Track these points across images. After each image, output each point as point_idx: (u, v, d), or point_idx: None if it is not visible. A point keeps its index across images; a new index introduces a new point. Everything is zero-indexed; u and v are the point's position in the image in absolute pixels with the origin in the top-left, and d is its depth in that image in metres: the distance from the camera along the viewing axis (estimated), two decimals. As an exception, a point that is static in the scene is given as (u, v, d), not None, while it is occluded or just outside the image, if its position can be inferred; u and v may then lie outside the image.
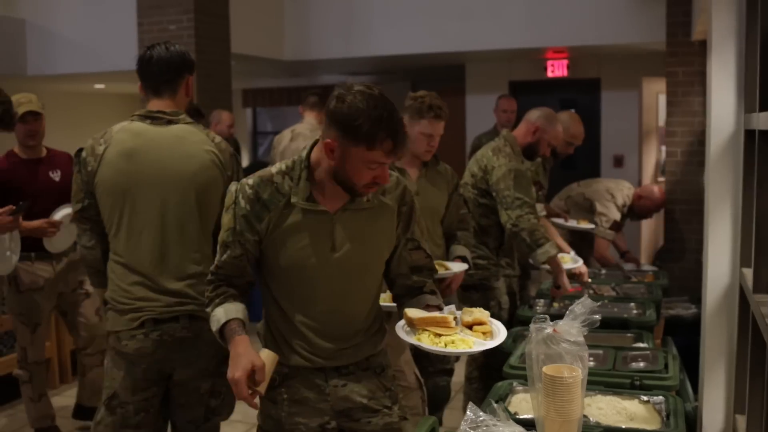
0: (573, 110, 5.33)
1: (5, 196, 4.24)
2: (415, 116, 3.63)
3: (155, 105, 3.06)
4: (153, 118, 3.02)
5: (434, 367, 3.90)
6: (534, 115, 4.39)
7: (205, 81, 7.40)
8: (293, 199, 2.27)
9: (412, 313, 2.29)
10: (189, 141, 3.01)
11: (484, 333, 2.17)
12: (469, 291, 4.22)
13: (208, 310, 2.34)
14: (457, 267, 3.59)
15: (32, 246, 4.38)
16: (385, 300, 2.86)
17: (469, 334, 2.19)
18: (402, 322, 2.31)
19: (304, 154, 2.31)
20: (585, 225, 5.36)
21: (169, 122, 3.02)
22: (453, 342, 2.12)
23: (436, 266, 3.32)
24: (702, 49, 5.93)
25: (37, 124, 4.42)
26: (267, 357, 2.22)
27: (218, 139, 3.17)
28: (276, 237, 2.29)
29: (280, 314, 2.38)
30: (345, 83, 2.20)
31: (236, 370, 2.12)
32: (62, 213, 4.38)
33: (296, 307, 2.35)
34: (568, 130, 4.92)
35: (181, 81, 3.09)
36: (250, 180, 2.29)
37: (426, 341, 2.16)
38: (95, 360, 4.75)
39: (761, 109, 2.71)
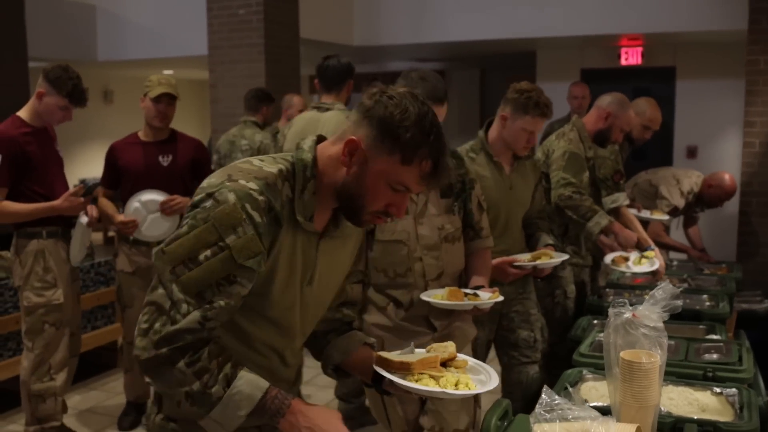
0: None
1: (112, 176, 4.48)
2: (519, 111, 3.44)
3: (324, 99, 4.35)
4: (319, 107, 4.32)
5: (526, 357, 3.73)
6: (605, 100, 4.33)
7: (274, 66, 7.46)
8: (298, 217, 1.73)
9: (401, 356, 1.87)
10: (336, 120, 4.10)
11: (456, 368, 1.86)
12: (535, 279, 4.20)
13: (209, 389, 1.62)
14: (558, 256, 3.51)
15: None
16: (442, 298, 2.83)
17: (453, 372, 1.86)
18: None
19: (308, 156, 1.76)
20: (659, 216, 5.24)
21: (328, 109, 4.26)
22: (458, 384, 1.79)
23: (542, 255, 3.33)
24: (785, 37, 5.77)
25: (171, 108, 4.47)
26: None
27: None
28: (271, 264, 1.72)
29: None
30: (381, 85, 1.79)
31: None
32: (144, 199, 4.43)
33: (263, 340, 1.82)
34: (645, 115, 4.84)
35: (345, 84, 4.41)
36: (251, 184, 1.65)
37: (443, 385, 1.78)
38: None
39: None
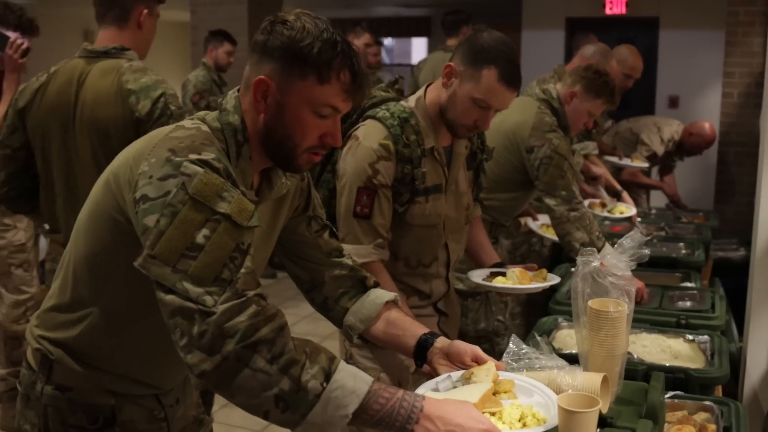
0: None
1: None
2: (590, 92, 3.35)
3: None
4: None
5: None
6: (589, 50, 4.30)
7: (257, 8, 7.36)
8: (240, 188, 1.50)
9: (449, 393, 1.63)
10: None
11: (505, 392, 1.67)
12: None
13: (305, 384, 1.37)
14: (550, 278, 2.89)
15: None
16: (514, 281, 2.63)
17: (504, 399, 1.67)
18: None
19: (236, 119, 1.58)
20: (638, 163, 5.27)
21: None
22: (522, 418, 1.59)
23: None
24: (765, -14, 5.75)
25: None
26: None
27: None
28: None
29: (144, 333, 1.62)
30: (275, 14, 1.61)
31: None
32: None
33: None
34: (627, 62, 4.81)
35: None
36: (204, 153, 1.45)
37: (509, 424, 1.57)
38: None
39: (824, 48, 2.64)
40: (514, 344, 1.78)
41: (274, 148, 1.58)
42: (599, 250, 3.20)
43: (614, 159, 5.18)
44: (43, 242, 4.48)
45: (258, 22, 5.90)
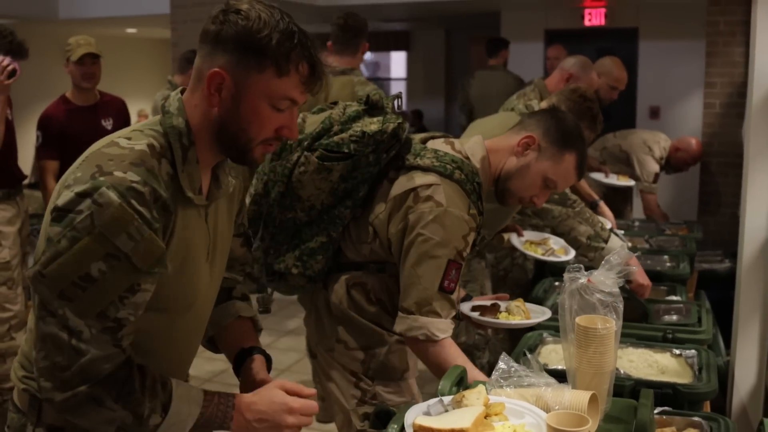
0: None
1: (63, 145, 4.33)
2: (573, 115, 3.35)
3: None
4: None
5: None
6: (569, 62, 4.31)
7: (233, 26, 7.34)
8: (188, 194, 1.49)
9: (441, 419, 1.58)
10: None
11: (495, 414, 1.63)
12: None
13: (147, 421, 1.44)
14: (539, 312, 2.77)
15: None
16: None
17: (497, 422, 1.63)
18: None
19: (180, 122, 1.51)
20: (625, 182, 5.28)
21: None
22: None
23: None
24: (745, -3, 5.78)
25: (96, 67, 4.46)
26: None
27: None
28: (168, 254, 1.49)
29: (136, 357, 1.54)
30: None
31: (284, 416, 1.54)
32: None
33: (159, 347, 1.59)
34: (612, 74, 4.81)
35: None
36: (130, 174, 1.38)
37: None
38: None
39: (808, 57, 2.63)
40: (503, 362, 1.75)
41: (227, 142, 1.52)
42: (606, 241, 3.19)
43: (600, 175, 5.17)
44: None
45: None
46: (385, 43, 13.78)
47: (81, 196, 1.36)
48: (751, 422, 3.22)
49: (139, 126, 1.53)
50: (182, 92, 1.56)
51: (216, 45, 1.47)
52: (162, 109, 1.54)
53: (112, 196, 1.35)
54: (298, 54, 1.47)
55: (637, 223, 5.22)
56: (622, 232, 4.56)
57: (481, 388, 1.66)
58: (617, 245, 3.22)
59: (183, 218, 1.50)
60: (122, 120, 4.67)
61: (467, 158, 2.29)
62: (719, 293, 4.16)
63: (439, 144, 2.34)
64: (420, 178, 2.22)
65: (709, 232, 5.52)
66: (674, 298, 3.41)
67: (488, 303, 2.61)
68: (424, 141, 2.38)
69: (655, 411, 2.34)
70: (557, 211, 3.22)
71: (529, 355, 1.74)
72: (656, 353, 2.72)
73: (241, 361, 1.79)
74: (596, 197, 4.53)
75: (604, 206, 4.47)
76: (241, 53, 1.45)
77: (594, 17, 9.70)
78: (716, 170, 6.10)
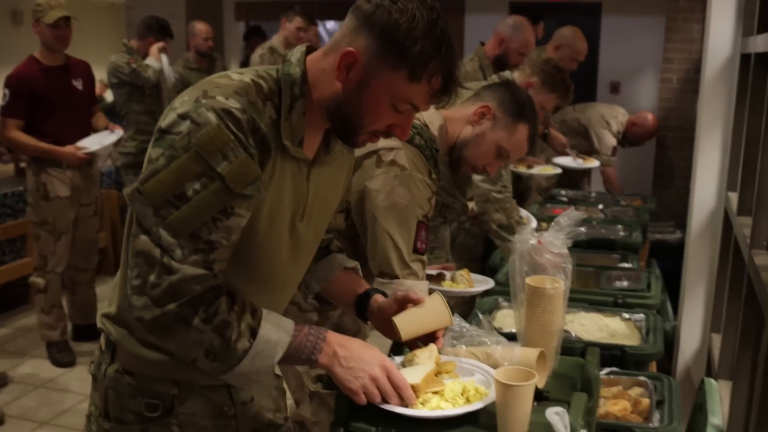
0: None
1: (34, 105, 4.33)
2: (547, 86, 3.42)
3: None
4: None
5: None
6: (500, 25, 4.26)
7: (194, -11, 7.26)
8: (285, 142, 1.48)
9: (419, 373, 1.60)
10: None
11: (447, 372, 1.68)
12: None
13: (234, 344, 1.42)
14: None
15: None
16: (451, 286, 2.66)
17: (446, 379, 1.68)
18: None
19: (297, 71, 1.50)
20: (591, 164, 5.36)
21: None
22: (464, 391, 1.62)
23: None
24: (704, -27, 5.86)
25: (69, 29, 4.44)
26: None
27: None
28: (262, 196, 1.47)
29: None
30: None
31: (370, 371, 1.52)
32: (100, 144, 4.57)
33: (238, 289, 1.54)
34: (573, 46, 4.81)
35: None
36: (231, 101, 1.39)
37: (452, 400, 1.58)
38: (86, 277, 4.85)
39: (759, 31, 2.70)
40: (456, 323, 1.80)
41: (338, 119, 1.50)
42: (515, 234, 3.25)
43: (567, 160, 5.21)
44: None
45: (195, 4, 5.79)
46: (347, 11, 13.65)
47: (182, 117, 1.38)
48: (693, 382, 3.34)
49: (257, 67, 1.53)
50: (309, 48, 1.55)
51: (362, 25, 1.45)
52: (283, 57, 1.53)
53: (210, 116, 1.36)
54: (436, 66, 1.44)
55: (593, 194, 5.31)
56: (580, 202, 4.66)
57: (432, 347, 1.71)
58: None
59: (281, 168, 1.49)
60: (91, 81, 4.68)
61: (425, 125, 2.33)
62: (670, 263, 4.27)
63: None
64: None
65: (663, 205, 5.63)
66: (626, 265, 3.50)
67: (434, 272, 2.67)
68: None
69: (604, 371, 2.43)
70: (482, 189, 3.27)
71: (480, 316, 1.80)
72: (606, 317, 2.81)
73: (363, 306, 1.84)
74: (564, 140, 4.62)
75: (554, 133, 4.58)
76: (382, 45, 1.43)
77: (558, -10, 9.72)
78: (671, 144, 6.21)
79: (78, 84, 4.54)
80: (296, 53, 1.52)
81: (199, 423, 1.60)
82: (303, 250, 1.66)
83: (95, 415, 1.62)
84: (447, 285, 2.61)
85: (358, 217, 2.25)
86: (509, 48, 4.18)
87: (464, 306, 3.86)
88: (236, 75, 1.47)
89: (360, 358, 1.51)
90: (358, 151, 2.24)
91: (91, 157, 4.57)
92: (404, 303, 1.75)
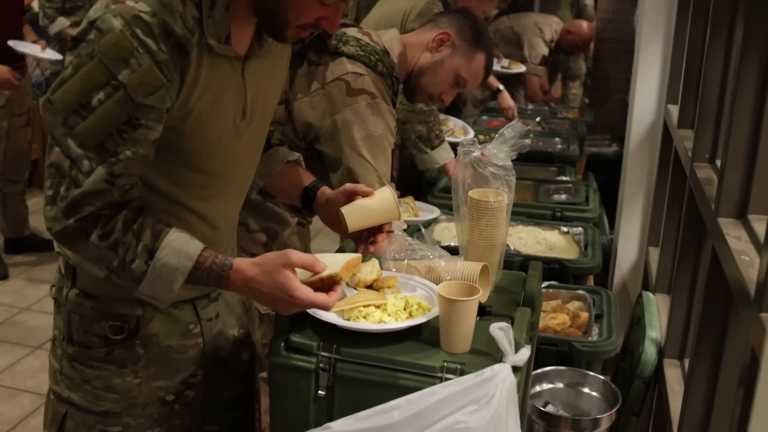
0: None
1: None
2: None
3: None
4: None
5: None
6: None
7: None
8: (210, 41, 1.39)
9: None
10: None
11: (389, 287, 1.65)
12: None
13: (129, 264, 1.37)
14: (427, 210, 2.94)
15: None
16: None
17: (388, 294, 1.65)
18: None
19: None
20: (516, 68, 5.32)
21: None
22: (407, 306, 1.60)
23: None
24: None
25: None
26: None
27: None
28: (184, 99, 1.40)
29: (165, 209, 1.50)
30: None
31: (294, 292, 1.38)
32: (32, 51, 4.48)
33: (185, 197, 1.52)
34: None
35: None
36: (140, 5, 1.31)
37: (395, 314, 1.57)
38: (17, 188, 4.75)
39: (702, -60, 2.65)
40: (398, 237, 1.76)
41: (264, 15, 1.44)
42: (432, 149, 3.22)
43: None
44: None
45: None
46: None
47: (90, 24, 1.32)
48: (630, 295, 3.38)
49: None
50: None
51: None
52: None
53: (115, 22, 1.30)
54: None
55: (530, 107, 5.29)
56: (518, 115, 4.62)
57: (374, 261, 1.67)
58: (442, 156, 3.25)
59: (210, 67, 1.41)
60: None
61: (386, 51, 2.25)
62: (606, 176, 4.30)
63: (355, 32, 2.27)
64: (348, 65, 2.17)
65: (599, 117, 5.64)
66: (564, 178, 3.50)
67: None
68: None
69: (543, 285, 2.43)
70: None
71: (423, 230, 1.76)
72: (545, 231, 2.81)
73: (309, 199, 1.80)
74: (498, 85, 4.55)
75: (505, 94, 4.50)
76: None
77: None
78: (608, 56, 6.19)
79: None
80: None
81: (163, 342, 1.57)
82: (250, 148, 1.61)
83: (59, 339, 1.59)
84: None
85: (331, 146, 2.17)
86: None
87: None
88: None
89: (268, 297, 1.40)
90: (325, 77, 2.17)
91: (21, 75, 4.43)
92: (353, 195, 1.70)
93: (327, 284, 1.42)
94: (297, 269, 1.40)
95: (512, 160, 1.73)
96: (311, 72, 2.18)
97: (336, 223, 1.73)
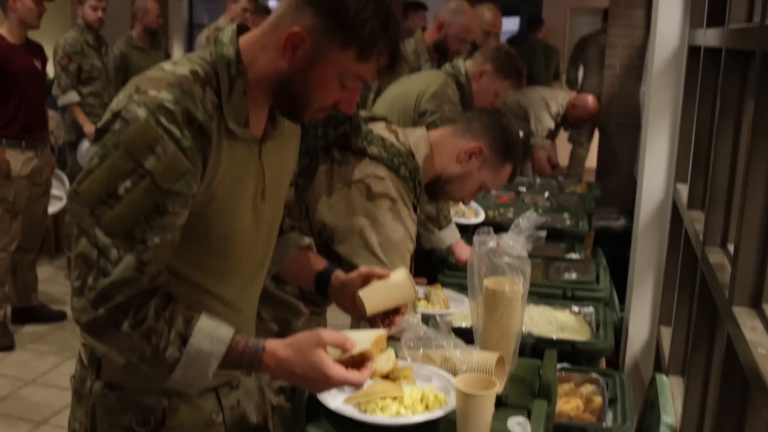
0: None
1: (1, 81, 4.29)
2: (500, 73, 3.39)
3: None
4: None
5: None
6: (441, 9, 4.13)
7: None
8: (230, 124, 1.44)
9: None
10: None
11: (405, 377, 1.65)
12: None
13: (163, 352, 1.38)
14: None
15: (20, 133, 4.42)
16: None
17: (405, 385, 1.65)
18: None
19: (230, 51, 1.46)
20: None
21: None
22: (423, 398, 1.59)
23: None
24: (648, -40, 5.88)
25: (44, 6, 4.41)
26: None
27: None
28: (208, 184, 1.43)
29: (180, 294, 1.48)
30: None
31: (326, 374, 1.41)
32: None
33: (208, 282, 1.53)
34: (485, 20, 4.49)
35: None
36: (164, 93, 1.36)
37: (412, 407, 1.56)
38: (29, 257, 4.79)
39: (708, 25, 2.70)
40: (412, 326, 1.76)
41: (284, 98, 1.48)
42: (440, 229, 3.23)
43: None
44: None
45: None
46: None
47: (115, 115, 1.36)
48: (642, 375, 3.36)
49: (190, 54, 1.49)
50: (240, 27, 1.51)
51: (307, 3, 1.41)
52: (215, 39, 1.49)
53: (139, 112, 1.34)
54: (384, 44, 1.43)
55: (538, 181, 5.32)
56: (525, 189, 4.65)
57: (390, 351, 1.67)
58: (448, 237, 3.26)
59: (230, 151, 1.45)
60: (45, 62, 4.64)
61: (411, 153, 2.24)
62: (614, 250, 4.29)
63: (382, 130, 2.27)
64: (370, 168, 2.16)
65: (606, 191, 5.67)
66: (573, 256, 3.50)
67: None
68: (365, 121, 2.30)
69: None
70: None
71: (438, 318, 1.76)
72: (556, 310, 2.80)
73: (323, 284, 1.82)
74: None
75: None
76: (330, 24, 1.40)
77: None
78: (614, 130, 6.24)
79: (38, 63, 4.52)
80: (227, 33, 1.49)
81: None
82: (268, 228, 1.63)
83: None
84: (421, 305, 2.55)
85: (347, 248, 2.15)
86: (449, 33, 4.04)
87: None
88: (169, 66, 1.43)
89: (302, 378, 1.43)
90: (346, 177, 2.17)
91: (43, 146, 4.60)
92: (369, 278, 1.72)
93: (357, 362, 1.45)
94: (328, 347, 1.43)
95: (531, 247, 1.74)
96: (333, 170, 2.17)
97: (352, 306, 1.74)
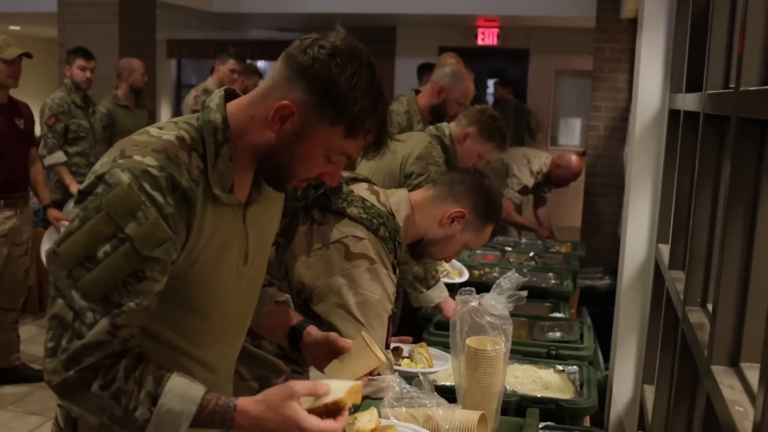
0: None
1: None
2: (484, 136, 3.44)
3: None
4: None
5: None
6: (438, 74, 4.16)
7: (128, 29, 7.14)
8: (216, 191, 1.44)
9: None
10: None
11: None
12: None
13: (133, 413, 1.36)
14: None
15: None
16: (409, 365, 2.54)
17: None
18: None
19: (217, 117, 1.47)
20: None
21: None
22: None
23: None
24: (630, 26, 6.02)
25: (20, 66, 4.42)
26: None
27: None
28: (190, 249, 1.43)
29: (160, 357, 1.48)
30: (321, 34, 1.48)
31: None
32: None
33: (186, 344, 1.54)
34: (457, 90, 4.22)
35: None
36: (148, 159, 1.36)
37: None
38: (11, 317, 4.74)
39: (687, 90, 2.77)
40: (396, 384, 1.77)
41: (270, 167, 1.49)
42: (428, 288, 3.25)
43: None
44: None
45: (129, 43, 5.61)
46: (281, 51, 13.75)
47: (98, 178, 1.36)
48: (627, 435, 3.37)
49: (176, 119, 1.50)
50: (228, 92, 1.52)
51: (298, 77, 1.42)
52: (202, 104, 1.50)
53: (123, 176, 1.34)
54: (372, 124, 1.45)
55: (524, 240, 5.36)
56: (510, 248, 4.68)
57: (372, 410, 1.68)
58: (436, 296, 3.26)
59: (214, 216, 1.45)
60: (31, 121, 4.64)
61: (392, 214, 2.26)
62: (600, 309, 4.32)
63: (363, 191, 2.27)
64: (349, 228, 2.17)
65: (591, 250, 5.72)
66: (558, 315, 3.53)
67: (391, 345, 2.62)
68: (347, 182, 2.31)
69: (540, 425, 2.42)
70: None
71: (420, 376, 1.77)
72: (540, 369, 2.81)
73: (296, 338, 1.84)
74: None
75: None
76: (320, 100, 1.41)
77: (487, 37, 9.96)
78: (599, 191, 6.32)
79: (20, 123, 4.50)
80: (215, 99, 1.50)
81: None
82: (249, 291, 1.64)
83: None
84: (405, 364, 2.55)
85: (324, 308, 2.15)
86: (449, 98, 4.07)
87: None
88: (156, 131, 1.43)
89: (278, 421, 1.40)
90: (324, 237, 2.17)
91: (24, 205, 4.57)
92: (330, 344, 1.73)
93: (332, 410, 1.43)
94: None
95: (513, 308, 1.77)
96: (312, 231, 2.18)
97: (321, 363, 1.75)
